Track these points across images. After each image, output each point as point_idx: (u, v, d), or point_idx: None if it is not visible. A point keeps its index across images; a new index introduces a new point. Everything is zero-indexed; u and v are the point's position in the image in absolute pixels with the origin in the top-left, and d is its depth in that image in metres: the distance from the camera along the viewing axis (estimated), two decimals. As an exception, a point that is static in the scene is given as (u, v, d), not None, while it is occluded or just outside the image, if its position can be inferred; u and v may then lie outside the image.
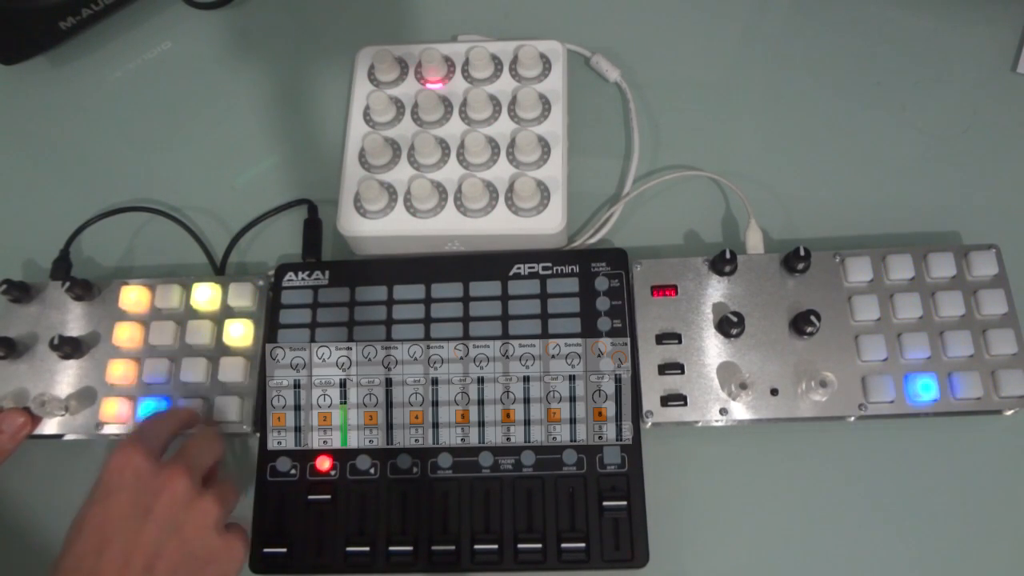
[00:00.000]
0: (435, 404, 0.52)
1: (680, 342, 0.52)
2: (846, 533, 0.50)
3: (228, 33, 0.69)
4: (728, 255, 0.52)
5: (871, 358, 0.50)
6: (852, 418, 0.50)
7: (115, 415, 0.53)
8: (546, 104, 0.58)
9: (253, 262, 0.60)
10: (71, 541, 0.43)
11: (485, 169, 0.56)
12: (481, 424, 0.51)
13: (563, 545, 0.48)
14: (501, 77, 0.59)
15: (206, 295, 0.55)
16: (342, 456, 0.51)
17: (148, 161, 0.65)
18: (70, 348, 0.54)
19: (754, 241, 0.55)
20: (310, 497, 0.50)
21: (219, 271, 0.59)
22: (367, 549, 0.49)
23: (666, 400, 0.50)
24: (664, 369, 0.51)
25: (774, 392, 0.50)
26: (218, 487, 0.47)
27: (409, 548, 0.49)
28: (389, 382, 0.52)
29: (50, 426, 0.53)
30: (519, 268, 0.54)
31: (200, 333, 0.54)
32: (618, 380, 0.51)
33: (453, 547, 0.49)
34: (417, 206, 0.55)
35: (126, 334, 0.54)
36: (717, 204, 0.59)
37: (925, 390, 0.50)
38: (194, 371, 0.53)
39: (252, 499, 0.51)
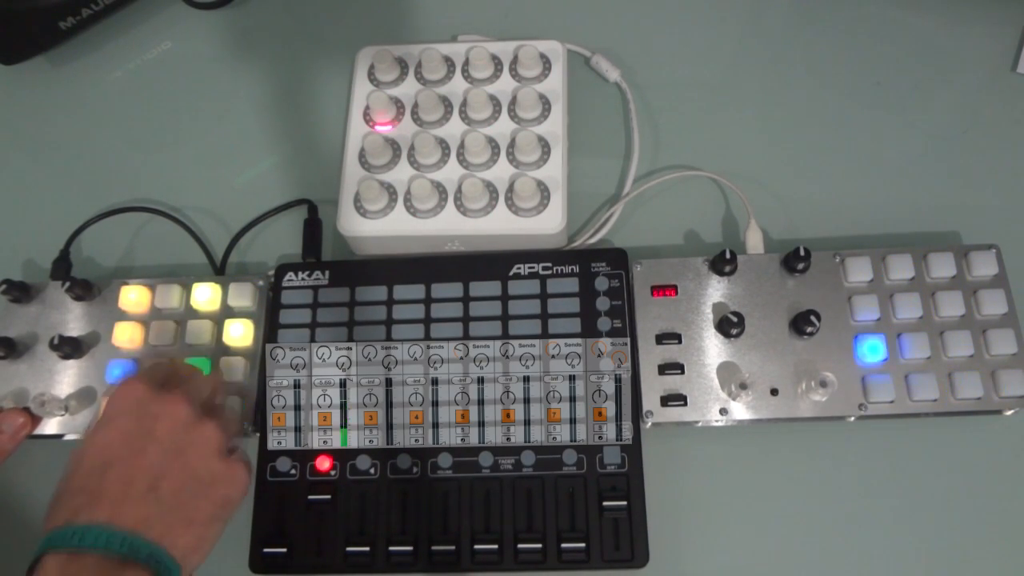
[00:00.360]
0: (435, 404, 0.52)
1: (680, 342, 0.52)
2: (846, 533, 0.50)
3: (228, 33, 0.69)
4: (728, 255, 0.52)
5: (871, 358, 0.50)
6: (852, 418, 0.50)
7: (115, 415, 0.53)
8: (546, 104, 0.58)
9: (253, 262, 0.60)
10: (73, 465, 0.42)
11: (485, 169, 0.56)
12: (481, 424, 0.51)
13: (563, 545, 0.48)
14: (501, 77, 0.59)
15: (206, 295, 0.55)
16: (342, 456, 0.51)
17: (148, 161, 0.65)
18: (70, 348, 0.54)
19: (754, 241, 0.55)
20: (310, 497, 0.50)
21: (219, 271, 0.59)
22: (367, 549, 0.49)
23: (666, 400, 0.50)
24: (664, 369, 0.51)
25: (774, 392, 0.50)
26: (219, 414, 0.47)
27: (409, 548, 0.49)
28: (389, 382, 0.52)
29: (50, 426, 0.53)
30: (519, 268, 0.54)
31: (200, 333, 0.54)
32: (618, 380, 0.51)
33: (453, 547, 0.49)
34: (417, 206, 0.55)
35: (126, 334, 0.54)
36: (717, 204, 0.59)
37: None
38: (194, 371, 0.53)
39: (252, 499, 0.51)
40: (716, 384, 0.51)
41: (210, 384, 0.49)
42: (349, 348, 0.53)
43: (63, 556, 0.38)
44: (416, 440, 0.51)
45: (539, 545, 0.48)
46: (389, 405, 0.52)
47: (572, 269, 0.54)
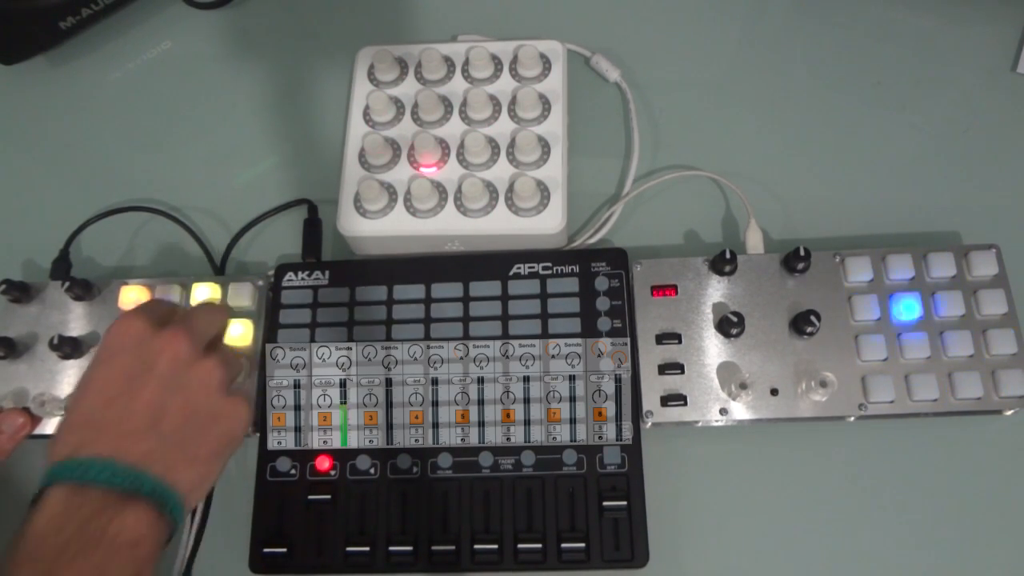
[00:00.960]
0: (435, 404, 0.52)
1: (680, 342, 0.52)
2: (846, 533, 0.50)
3: (228, 33, 0.69)
4: (728, 255, 0.52)
5: (871, 358, 0.50)
6: (852, 418, 0.50)
7: (115, 415, 0.53)
8: (546, 104, 0.58)
9: (253, 262, 0.60)
10: (74, 402, 0.42)
11: (485, 169, 0.56)
12: (481, 424, 0.51)
13: (563, 545, 0.48)
14: (501, 77, 0.59)
15: (206, 295, 0.55)
16: (342, 456, 0.51)
17: (148, 161, 0.65)
18: (70, 348, 0.54)
19: (754, 241, 0.55)
20: (310, 497, 0.50)
21: (219, 271, 0.59)
22: (367, 549, 0.49)
23: (666, 400, 0.50)
24: (664, 369, 0.51)
25: (774, 392, 0.50)
26: (221, 352, 0.46)
27: (409, 548, 0.49)
28: (389, 382, 0.52)
29: (50, 426, 0.53)
30: (519, 268, 0.54)
31: (200, 333, 0.54)
32: (618, 380, 0.51)
33: (453, 547, 0.49)
34: (417, 206, 0.55)
35: (126, 334, 0.54)
36: (717, 204, 0.59)
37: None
38: (194, 371, 0.53)
39: (252, 499, 0.51)
40: (716, 384, 0.51)
41: (213, 320, 0.48)
42: (349, 348, 0.53)
43: (67, 488, 0.38)
44: (416, 440, 0.51)
45: (539, 545, 0.48)
46: (389, 405, 0.52)
47: (572, 269, 0.54)
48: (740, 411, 0.50)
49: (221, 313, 0.50)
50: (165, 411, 0.42)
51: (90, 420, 0.41)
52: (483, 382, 0.52)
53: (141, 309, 0.46)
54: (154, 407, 0.42)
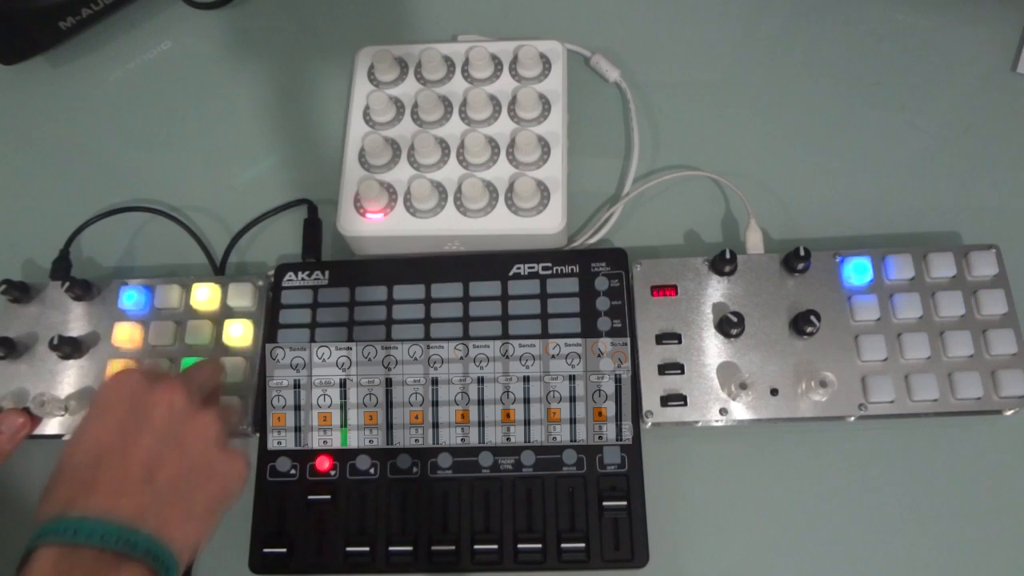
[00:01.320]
0: (435, 404, 0.52)
1: (680, 342, 0.52)
2: (846, 533, 0.50)
3: (228, 33, 0.69)
4: (728, 255, 0.52)
5: (871, 358, 0.50)
6: (852, 418, 0.50)
7: (115, 415, 0.53)
8: (546, 104, 0.58)
9: (253, 262, 0.60)
10: (66, 456, 0.41)
11: (485, 169, 0.56)
12: (481, 424, 0.51)
13: (563, 545, 0.48)
14: (501, 77, 0.59)
15: (206, 295, 0.55)
16: (342, 456, 0.51)
17: (148, 161, 0.65)
18: (70, 348, 0.54)
19: (754, 241, 0.55)
20: (310, 497, 0.50)
21: (219, 271, 0.59)
22: (367, 549, 0.49)
23: (666, 400, 0.50)
24: (664, 369, 0.51)
25: (774, 392, 0.50)
26: (217, 406, 0.45)
27: (409, 548, 0.49)
28: (389, 382, 0.52)
29: (50, 426, 0.53)
30: (519, 268, 0.54)
31: (200, 333, 0.54)
32: (618, 380, 0.51)
33: (453, 547, 0.49)
34: (417, 206, 0.55)
35: (126, 334, 0.54)
36: (717, 204, 0.59)
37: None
38: (194, 371, 0.53)
39: (252, 499, 0.51)
40: (716, 384, 0.51)
41: (210, 374, 0.48)
42: (349, 348, 0.53)
43: (57, 550, 0.37)
44: (416, 440, 0.51)
45: (539, 545, 0.48)
46: (389, 405, 0.52)
47: (572, 269, 0.54)
48: (740, 411, 0.50)
49: (216, 368, 0.49)
50: (160, 465, 0.40)
51: (80, 476, 0.39)
52: (483, 382, 0.52)
53: (135, 365, 0.45)
54: (149, 461, 0.40)
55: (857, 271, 0.52)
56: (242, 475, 0.44)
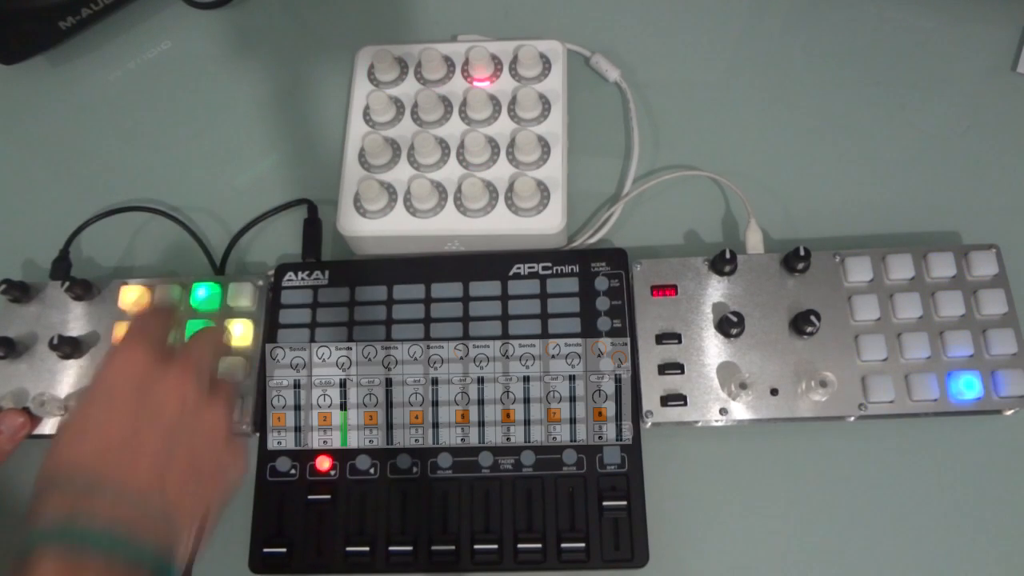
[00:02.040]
0: (435, 404, 0.52)
1: (680, 342, 0.52)
2: (846, 533, 0.50)
3: (228, 33, 0.69)
4: (728, 255, 0.52)
5: (871, 358, 0.50)
6: (852, 418, 0.50)
7: (115, 415, 0.52)
8: (546, 104, 0.58)
9: (253, 262, 0.60)
10: (65, 443, 0.38)
11: (485, 169, 0.56)
12: (481, 424, 0.51)
13: (563, 545, 0.48)
14: (501, 77, 0.59)
15: (206, 295, 0.55)
16: (342, 456, 0.51)
17: (148, 161, 0.65)
18: (70, 348, 0.54)
19: (754, 241, 0.55)
20: (310, 497, 0.50)
21: (219, 271, 0.59)
22: (367, 549, 0.49)
23: (666, 400, 0.50)
24: (664, 369, 0.51)
25: (774, 392, 0.50)
26: (222, 390, 0.43)
27: (409, 548, 0.49)
28: (389, 382, 0.52)
29: (50, 426, 0.54)
30: (519, 268, 0.54)
31: (200, 333, 0.54)
32: (618, 380, 0.51)
33: (453, 547, 0.49)
34: (417, 206, 0.55)
35: (126, 334, 0.54)
36: (717, 204, 0.59)
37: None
38: (194, 371, 0.53)
39: (252, 499, 0.51)
40: (716, 384, 0.51)
41: (216, 349, 0.45)
42: (349, 348, 0.53)
43: (63, 562, 0.34)
44: (416, 440, 0.51)
45: (539, 545, 0.48)
46: (389, 405, 0.52)
47: (572, 269, 0.54)
48: (740, 411, 0.50)
49: (220, 336, 0.47)
50: (170, 466, 0.38)
51: (83, 475, 0.37)
52: (483, 382, 0.52)
53: (140, 336, 0.41)
54: (158, 463, 0.38)
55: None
56: (242, 472, 0.44)
